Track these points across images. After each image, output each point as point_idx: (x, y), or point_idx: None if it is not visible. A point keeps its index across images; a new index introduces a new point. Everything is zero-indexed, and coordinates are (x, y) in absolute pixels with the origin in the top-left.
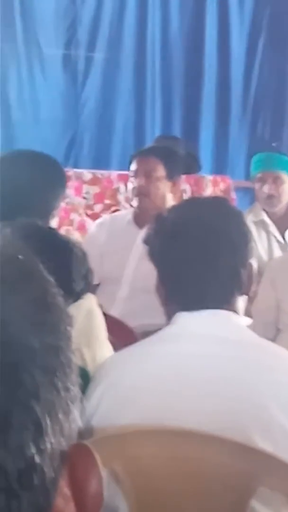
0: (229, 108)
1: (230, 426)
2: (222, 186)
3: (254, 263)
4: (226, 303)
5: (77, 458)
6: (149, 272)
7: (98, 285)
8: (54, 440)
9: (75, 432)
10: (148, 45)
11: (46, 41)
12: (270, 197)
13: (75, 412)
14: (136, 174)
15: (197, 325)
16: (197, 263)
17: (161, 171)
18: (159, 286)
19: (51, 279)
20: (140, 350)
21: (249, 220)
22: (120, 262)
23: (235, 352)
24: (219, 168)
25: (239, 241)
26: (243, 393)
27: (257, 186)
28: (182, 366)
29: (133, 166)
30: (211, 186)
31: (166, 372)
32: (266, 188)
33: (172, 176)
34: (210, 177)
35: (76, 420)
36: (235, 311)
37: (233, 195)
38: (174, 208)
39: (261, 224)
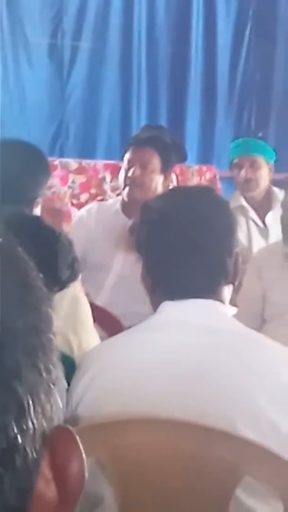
0: (215, 98)
1: (215, 415)
2: (208, 175)
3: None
4: (212, 293)
5: (59, 440)
6: (137, 264)
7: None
8: (36, 421)
9: (56, 414)
10: (134, 35)
11: (32, 30)
12: (247, 181)
13: (57, 394)
14: (131, 164)
15: (183, 314)
16: (183, 252)
17: (156, 163)
18: (145, 275)
19: (31, 262)
20: (125, 339)
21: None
22: (108, 251)
23: (221, 341)
24: (205, 158)
25: (225, 230)
26: (229, 383)
27: (235, 171)
28: (167, 355)
29: (128, 155)
30: (197, 175)
31: (151, 362)
32: (243, 173)
33: (166, 168)
34: (196, 167)
35: (58, 402)
36: (221, 300)
37: (219, 185)
38: (159, 197)
39: (239, 209)
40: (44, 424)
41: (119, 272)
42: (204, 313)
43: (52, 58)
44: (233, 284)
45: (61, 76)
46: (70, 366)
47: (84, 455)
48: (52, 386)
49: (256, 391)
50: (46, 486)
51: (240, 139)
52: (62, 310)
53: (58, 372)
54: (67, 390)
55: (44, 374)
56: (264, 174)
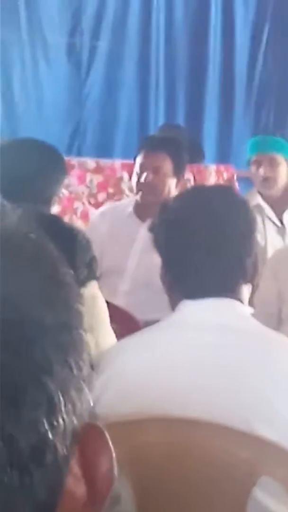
0: (233, 97)
1: (232, 416)
2: (225, 175)
3: None
4: (231, 292)
5: (89, 438)
6: (151, 266)
7: (99, 276)
8: (66, 418)
9: (86, 411)
10: (153, 34)
11: (50, 29)
12: (266, 179)
13: (87, 391)
14: (143, 168)
15: (201, 313)
16: (201, 251)
17: (168, 167)
18: (164, 274)
19: (62, 258)
20: (143, 339)
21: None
22: (122, 255)
23: (238, 341)
24: (223, 157)
25: (244, 230)
26: (246, 384)
27: (253, 169)
28: (185, 355)
29: (140, 159)
30: (215, 175)
31: (169, 361)
32: (261, 171)
33: (179, 171)
34: (213, 167)
35: (88, 400)
36: (240, 299)
37: (237, 185)
38: (179, 196)
39: (256, 208)
40: (75, 421)
41: (133, 275)
42: (223, 312)
43: (70, 57)
44: (252, 284)
45: (79, 75)
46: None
47: (114, 453)
48: (82, 383)
49: (272, 392)
50: (75, 483)
51: (258, 137)
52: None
53: (88, 369)
54: None
55: (75, 371)
56: (283, 171)
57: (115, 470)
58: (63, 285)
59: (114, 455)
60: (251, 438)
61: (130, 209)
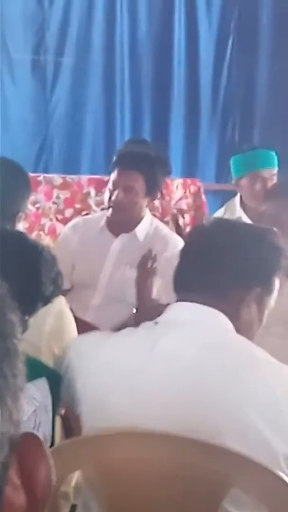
0: (199, 111)
1: (202, 429)
2: (192, 189)
3: None
4: (222, 300)
5: (26, 446)
6: (123, 281)
7: (69, 290)
8: (3, 425)
9: (22, 421)
10: (117, 49)
11: (14, 46)
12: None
13: (22, 401)
14: (115, 186)
15: (181, 317)
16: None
17: (141, 187)
18: None
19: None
20: (115, 343)
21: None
22: (94, 269)
23: (215, 355)
24: (189, 171)
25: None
26: (220, 398)
27: (246, 184)
28: (157, 366)
29: (113, 177)
30: (182, 188)
31: (139, 370)
32: (258, 186)
33: (151, 191)
34: (180, 180)
35: (24, 409)
36: (229, 309)
37: (203, 198)
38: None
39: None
40: (12, 429)
41: (105, 290)
42: (202, 321)
43: (35, 73)
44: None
45: (44, 91)
46: (56, 380)
47: (51, 460)
48: (18, 391)
49: (248, 407)
50: (15, 493)
51: (258, 151)
52: (47, 324)
53: (23, 379)
54: (55, 402)
55: (10, 379)
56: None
57: (53, 477)
58: None
59: (51, 461)
60: (222, 451)
61: (103, 223)
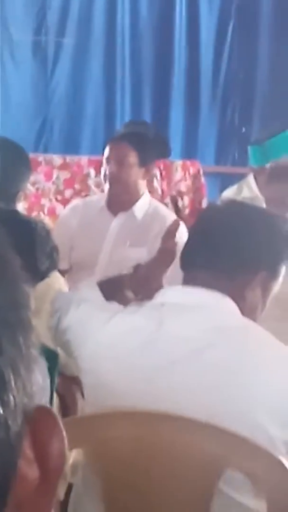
0: (199, 94)
1: (201, 410)
2: (192, 170)
3: None
4: (228, 281)
5: (39, 420)
6: (122, 260)
7: (67, 270)
8: (17, 395)
9: (36, 393)
10: (118, 31)
11: (16, 27)
12: None
13: (37, 373)
14: (108, 160)
15: (189, 300)
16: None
17: (133, 158)
18: None
19: (6, 240)
20: (117, 323)
21: (242, 196)
22: (93, 249)
23: (216, 338)
24: (189, 153)
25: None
26: (218, 381)
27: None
28: (155, 345)
29: (106, 152)
30: (181, 170)
31: (138, 351)
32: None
33: (144, 162)
34: (179, 162)
35: (38, 381)
36: (235, 290)
37: (203, 180)
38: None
39: (255, 200)
40: (25, 400)
41: (104, 270)
42: (208, 304)
43: (36, 54)
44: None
45: (45, 72)
46: (53, 361)
47: (64, 433)
48: (32, 363)
49: (247, 391)
50: (28, 466)
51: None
52: (46, 303)
53: (37, 352)
54: (52, 382)
55: (24, 350)
56: None
57: (67, 451)
58: (9, 263)
59: (65, 434)
60: (218, 432)
61: (102, 203)
